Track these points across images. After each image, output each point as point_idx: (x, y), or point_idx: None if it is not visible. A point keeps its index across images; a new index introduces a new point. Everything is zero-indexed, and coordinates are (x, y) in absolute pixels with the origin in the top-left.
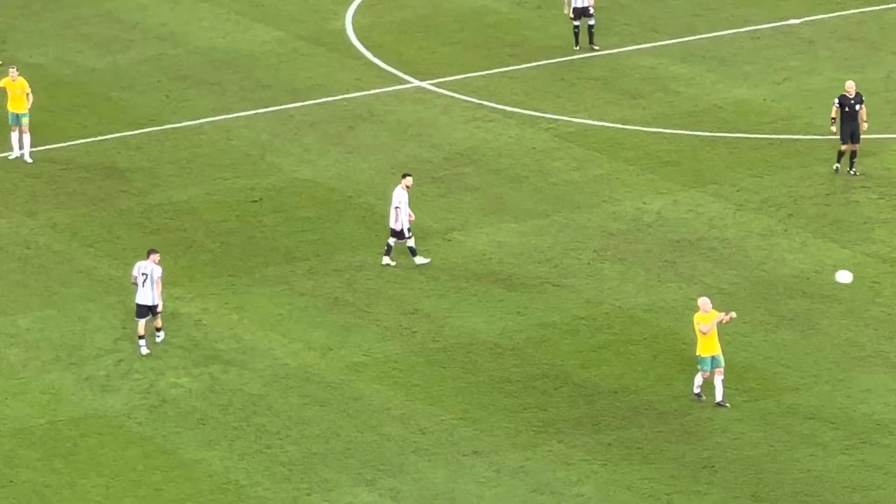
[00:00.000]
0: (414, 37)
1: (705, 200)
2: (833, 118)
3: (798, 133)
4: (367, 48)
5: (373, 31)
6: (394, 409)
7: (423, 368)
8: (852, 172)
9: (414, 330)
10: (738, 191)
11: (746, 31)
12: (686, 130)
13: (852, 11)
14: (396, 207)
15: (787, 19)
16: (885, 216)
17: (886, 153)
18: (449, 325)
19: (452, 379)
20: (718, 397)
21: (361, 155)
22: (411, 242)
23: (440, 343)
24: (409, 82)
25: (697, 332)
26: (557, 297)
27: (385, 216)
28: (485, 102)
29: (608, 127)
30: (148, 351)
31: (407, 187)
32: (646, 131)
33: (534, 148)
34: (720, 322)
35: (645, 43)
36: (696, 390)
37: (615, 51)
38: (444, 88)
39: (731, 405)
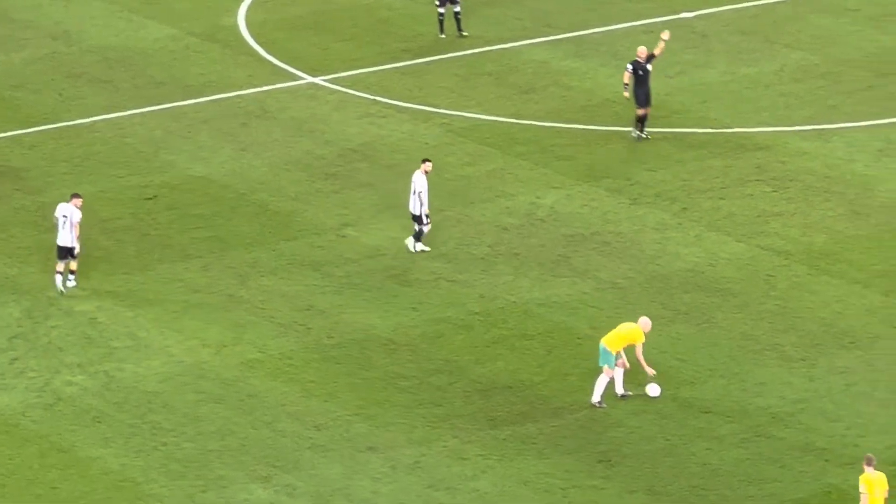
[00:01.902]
0: (306, 33)
1: (599, 195)
2: (626, 83)
3: (692, 126)
4: (260, 44)
5: (265, 28)
6: (289, 406)
7: (318, 364)
8: (644, 136)
9: (308, 326)
10: (631, 185)
11: (640, 25)
12: (580, 125)
13: (746, 5)
14: (419, 192)
15: (680, 13)
16: (779, 209)
17: (780, 146)
18: (343, 321)
19: (347, 375)
20: (619, 389)
21: (255, 152)
22: (426, 229)
23: (335, 339)
24: (302, 78)
25: (619, 338)
26: (451, 293)
27: (279, 212)
28: (378, 98)
29: (501, 122)
30: (61, 289)
31: (426, 172)
32: (539, 126)
33: (427, 143)
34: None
35: (538, 37)
36: (620, 391)
37: (508, 45)
38: (336, 84)
39: (626, 399)
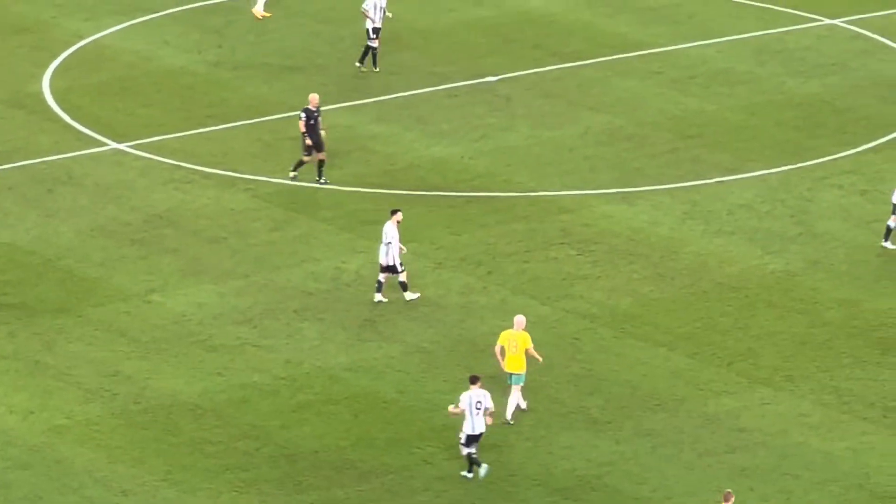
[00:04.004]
0: (111, 99)
1: (404, 258)
2: (303, 132)
3: (497, 190)
4: (65, 111)
5: (70, 94)
6: (96, 472)
7: (125, 430)
8: (323, 181)
9: (115, 392)
10: (436, 249)
11: (443, 89)
12: (384, 189)
13: (549, 68)
14: (388, 243)
15: (484, 76)
16: (584, 272)
17: (585, 210)
18: (150, 387)
19: (154, 440)
20: (509, 413)
21: (61, 218)
22: (403, 277)
23: (141, 405)
24: (107, 144)
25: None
26: (257, 358)
27: (85, 279)
28: (183, 164)
29: (306, 187)
30: None
31: (398, 222)
32: (344, 190)
33: (232, 209)
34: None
35: (342, 102)
36: (523, 405)
37: None
38: (142, 150)
39: (433, 464)
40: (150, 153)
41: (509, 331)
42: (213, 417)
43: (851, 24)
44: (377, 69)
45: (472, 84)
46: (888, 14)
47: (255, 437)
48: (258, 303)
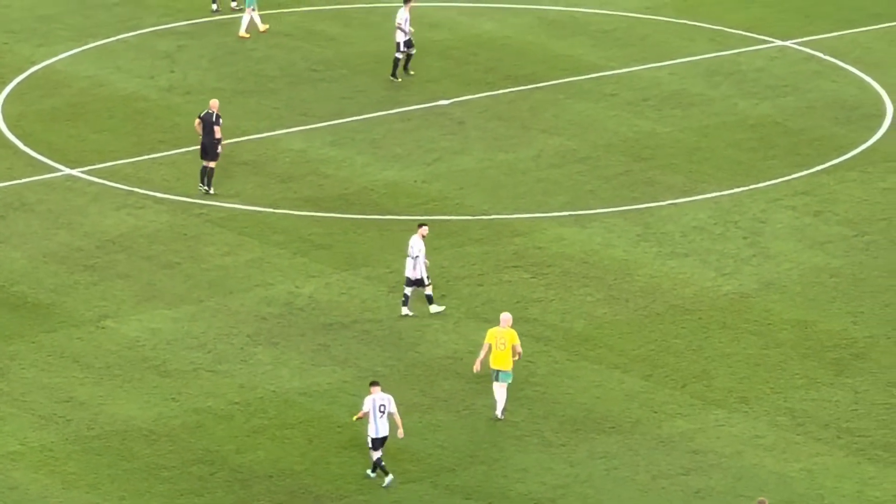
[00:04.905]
0: (64, 125)
1: (358, 283)
2: (197, 131)
3: (450, 214)
4: (18, 137)
5: (23, 120)
6: (51, 498)
7: (80, 456)
8: (210, 190)
9: (69, 418)
10: (390, 272)
11: (396, 113)
12: (337, 213)
13: (503, 91)
14: (415, 257)
15: (437, 100)
16: (538, 295)
17: (538, 232)
18: (104, 413)
19: (108, 466)
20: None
21: (13, 244)
22: (429, 290)
23: (95, 430)
24: (60, 170)
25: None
26: (212, 383)
27: (38, 305)
28: (135, 189)
29: (259, 211)
30: None
31: (423, 236)
32: (297, 215)
33: (185, 234)
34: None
35: (295, 126)
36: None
37: (265, 135)
38: (94, 176)
39: (386, 488)
40: (102, 179)
41: (496, 328)
42: (168, 442)
43: (803, 46)
44: (412, 73)
45: (425, 107)
46: (840, 35)
47: (209, 462)
48: (212, 328)
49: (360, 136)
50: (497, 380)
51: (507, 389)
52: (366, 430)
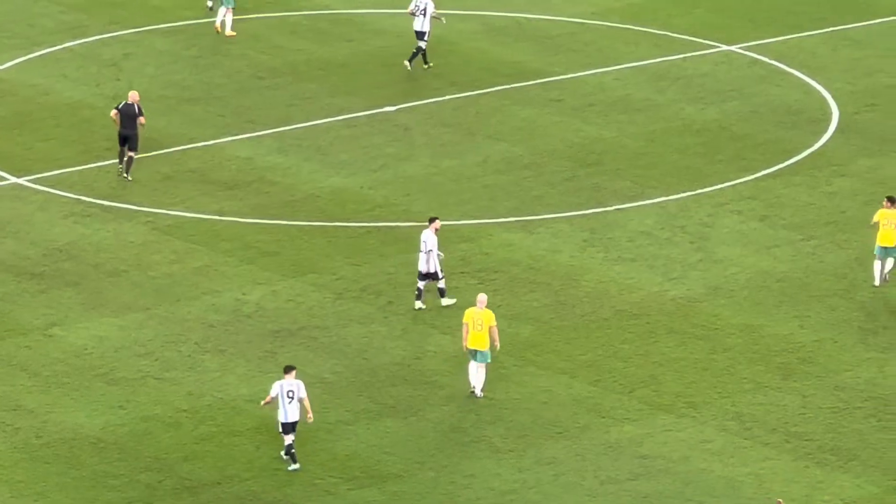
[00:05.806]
0: (9, 133)
1: (304, 290)
2: (114, 121)
3: (396, 220)
4: None
5: None
6: None
7: (27, 465)
8: (128, 178)
9: (17, 426)
10: (337, 279)
11: (342, 120)
12: (284, 220)
13: (448, 97)
14: (429, 251)
15: (382, 107)
16: None
17: (484, 238)
18: (51, 421)
19: (56, 475)
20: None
21: None
22: (442, 284)
23: (43, 439)
24: (6, 179)
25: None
26: (159, 391)
27: None
28: (82, 197)
29: (206, 219)
30: None
31: (436, 230)
32: (243, 222)
33: (132, 242)
34: None
35: (241, 134)
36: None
37: (211, 142)
38: (40, 184)
39: (336, 494)
40: (49, 187)
41: (473, 308)
42: (116, 450)
43: (748, 51)
44: (430, 64)
45: (370, 114)
46: (785, 40)
47: (157, 470)
48: (159, 335)
49: (306, 143)
50: (475, 359)
51: (486, 368)
52: (276, 415)
